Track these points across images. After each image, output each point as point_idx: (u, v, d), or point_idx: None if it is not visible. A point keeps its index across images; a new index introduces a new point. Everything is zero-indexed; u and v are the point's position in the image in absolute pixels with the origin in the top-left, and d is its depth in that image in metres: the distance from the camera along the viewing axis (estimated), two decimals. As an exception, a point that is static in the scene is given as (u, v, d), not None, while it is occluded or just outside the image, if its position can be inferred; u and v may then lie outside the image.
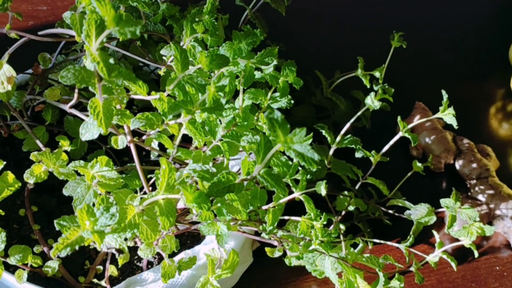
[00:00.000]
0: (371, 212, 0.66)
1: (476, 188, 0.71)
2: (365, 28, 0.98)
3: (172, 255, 0.55)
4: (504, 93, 0.90)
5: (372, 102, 0.56)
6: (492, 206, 0.69)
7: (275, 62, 0.44)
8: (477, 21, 1.02)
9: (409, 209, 0.61)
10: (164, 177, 0.38)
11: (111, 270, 0.51)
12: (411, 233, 0.61)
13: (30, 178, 0.47)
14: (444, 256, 0.55)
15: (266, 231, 0.48)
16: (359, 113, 0.61)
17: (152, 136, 0.44)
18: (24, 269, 0.48)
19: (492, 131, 0.84)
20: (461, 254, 0.68)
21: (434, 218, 0.59)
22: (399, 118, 0.59)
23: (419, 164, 0.64)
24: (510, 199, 0.69)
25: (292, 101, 0.55)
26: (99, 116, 0.37)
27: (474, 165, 0.73)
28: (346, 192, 0.62)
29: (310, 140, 0.48)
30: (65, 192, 0.46)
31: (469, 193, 0.72)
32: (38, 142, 0.51)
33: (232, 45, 0.45)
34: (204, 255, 0.53)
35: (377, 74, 0.68)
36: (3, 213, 0.50)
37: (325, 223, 0.47)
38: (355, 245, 0.63)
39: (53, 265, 0.49)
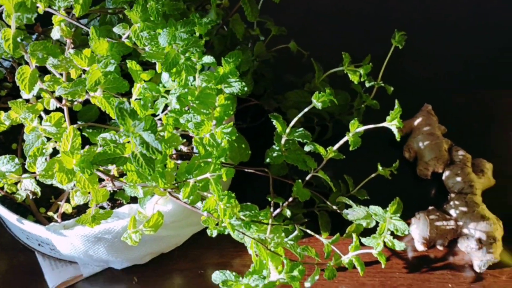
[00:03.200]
0: (332, 204, 0.68)
1: (452, 203, 0.69)
2: (389, 24, 0.94)
3: (121, 205, 0.63)
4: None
5: (316, 102, 0.57)
6: (460, 223, 0.67)
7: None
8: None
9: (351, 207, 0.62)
10: (67, 140, 0.45)
11: (66, 207, 0.60)
12: (347, 231, 0.62)
13: (6, 120, 0.56)
14: (353, 260, 0.56)
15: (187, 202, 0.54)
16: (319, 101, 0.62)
17: (80, 102, 0.51)
18: (-1, 193, 0.59)
19: (502, 148, 0.79)
20: (417, 263, 0.68)
21: (373, 222, 0.60)
22: (353, 120, 0.59)
23: (380, 168, 0.64)
24: (482, 220, 0.66)
25: (246, 89, 0.58)
26: (24, 82, 0.45)
27: (459, 178, 0.71)
28: (300, 180, 0.64)
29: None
30: (25, 137, 0.55)
31: (444, 206, 0.70)
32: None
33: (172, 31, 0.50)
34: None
35: (361, 71, 0.67)
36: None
37: (229, 204, 0.51)
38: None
39: (22, 194, 0.59)
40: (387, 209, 0.57)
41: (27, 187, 0.49)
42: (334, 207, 0.65)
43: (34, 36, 0.62)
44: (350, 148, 0.59)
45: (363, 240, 0.56)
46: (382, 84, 0.73)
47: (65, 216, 0.61)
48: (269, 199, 0.64)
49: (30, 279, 0.66)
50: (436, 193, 0.74)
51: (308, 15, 0.96)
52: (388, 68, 0.74)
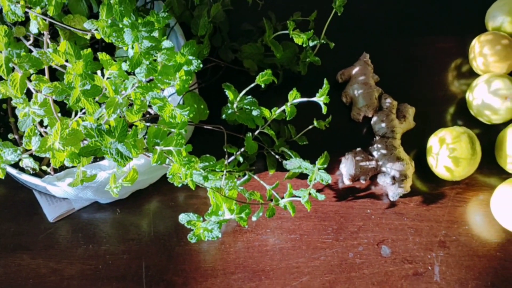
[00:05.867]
0: (275, 154, 0.82)
1: (375, 145, 0.84)
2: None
3: (102, 158, 0.76)
4: (456, 55, 0.94)
5: (258, 82, 0.68)
6: (380, 163, 0.83)
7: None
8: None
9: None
10: (57, 132, 0.56)
11: (56, 162, 0.73)
12: (286, 176, 0.78)
13: (11, 85, 0.66)
14: (287, 205, 0.72)
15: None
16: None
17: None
18: (-1, 150, 0.71)
19: (426, 92, 0.92)
20: (344, 193, 0.85)
21: (304, 170, 0.74)
22: (292, 91, 0.71)
23: (315, 123, 0.78)
24: (397, 161, 0.82)
25: (201, 65, 0.68)
26: (16, 87, 0.55)
27: (383, 124, 0.85)
28: (250, 134, 0.77)
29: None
30: (17, 111, 0.66)
31: (370, 147, 0.85)
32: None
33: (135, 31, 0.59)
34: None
35: (304, 36, 0.77)
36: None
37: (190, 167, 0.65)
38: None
39: (20, 152, 0.72)
40: (317, 162, 0.71)
41: (27, 165, 0.62)
42: (277, 156, 0.80)
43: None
44: (287, 118, 0.71)
45: (295, 192, 0.71)
46: (324, 42, 0.83)
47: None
48: (225, 149, 0.78)
49: (32, 212, 0.81)
50: (365, 134, 0.88)
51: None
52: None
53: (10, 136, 0.74)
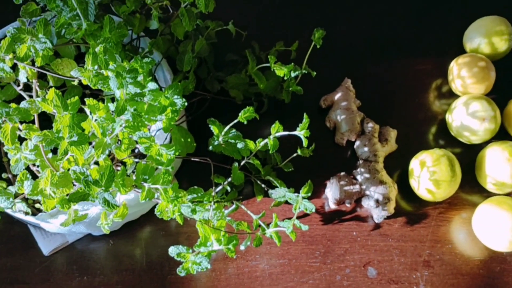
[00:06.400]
0: (262, 182, 0.85)
1: (359, 169, 0.87)
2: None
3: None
4: (436, 76, 0.97)
5: (240, 119, 0.70)
6: (364, 187, 0.86)
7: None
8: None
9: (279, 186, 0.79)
10: (48, 179, 0.59)
11: (49, 199, 0.75)
12: (272, 204, 0.80)
13: (2, 137, 0.68)
14: (273, 235, 0.74)
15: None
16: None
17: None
18: (-8, 189, 0.74)
19: (408, 114, 0.94)
20: (330, 217, 0.88)
21: (289, 200, 0.77)
22: (274, 124, 0.73)
23: (299, 151, 0.80)
24: (380, 185, 0.84)
25: (186, 103, 0.71)
26: (7, 137, 0.57)
27: (366, 149, 0.87)
28: (236, 164, 0.80)
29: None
30: (10, 156, 0.68)
31: (354, 171, 0.88)
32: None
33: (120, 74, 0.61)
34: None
35: (285, 69, 0.80)
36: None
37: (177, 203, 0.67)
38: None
39: (12, 190, 0.74)
40: (301, 191, 0.74)
41: (20, 209, 0.64)
42: (263, 185, 0.82)
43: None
44: (270, 152, 0.74)
45: (280, 223, 0.74)
46: (306, 72, 0.86)
47: (49, 205, 0.77)
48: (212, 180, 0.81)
49: (27, 246, 0.83)
50: (349, 158, 0.91)
51: None
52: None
53: (4, 175, 0.77)
